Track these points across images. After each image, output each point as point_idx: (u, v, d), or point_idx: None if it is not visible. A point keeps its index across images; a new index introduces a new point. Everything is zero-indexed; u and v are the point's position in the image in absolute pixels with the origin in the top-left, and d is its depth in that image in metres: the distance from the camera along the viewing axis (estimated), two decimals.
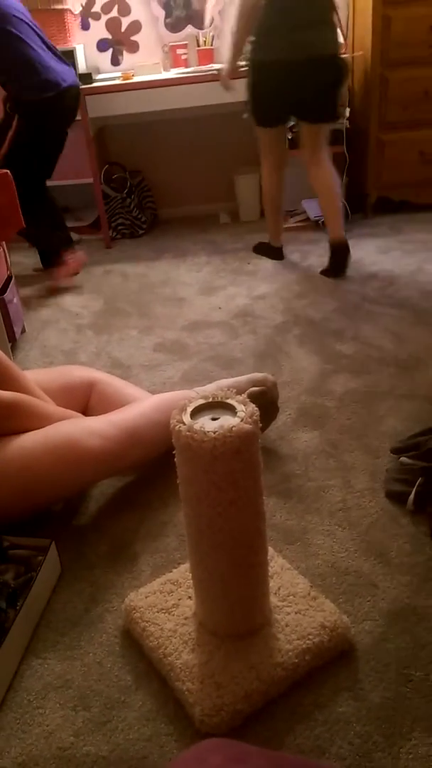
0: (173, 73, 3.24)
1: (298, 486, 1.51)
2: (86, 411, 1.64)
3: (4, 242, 2.38)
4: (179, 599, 1.17)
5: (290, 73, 2.46)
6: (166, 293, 2.78)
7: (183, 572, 1.22)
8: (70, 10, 3.27)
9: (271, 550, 1.25)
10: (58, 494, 1.43)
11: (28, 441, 1.36)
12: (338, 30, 2.51)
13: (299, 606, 1.13)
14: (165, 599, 1.17)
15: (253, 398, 1.57)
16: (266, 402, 1.60)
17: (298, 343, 2.22)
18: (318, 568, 1.27)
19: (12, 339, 2.30)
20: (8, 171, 2.12)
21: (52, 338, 2.44)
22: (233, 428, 0.92)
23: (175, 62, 3.42)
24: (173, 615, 1.13)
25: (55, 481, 1.37)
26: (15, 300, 2.40)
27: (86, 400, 1.67)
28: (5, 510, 1.35)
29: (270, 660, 1.04)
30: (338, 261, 2.75)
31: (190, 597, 1.16)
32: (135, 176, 3.66)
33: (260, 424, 0.97)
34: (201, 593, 1.09)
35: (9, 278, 2.41)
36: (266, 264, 2.99)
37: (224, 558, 1.02)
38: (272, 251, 3.06)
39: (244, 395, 1.03)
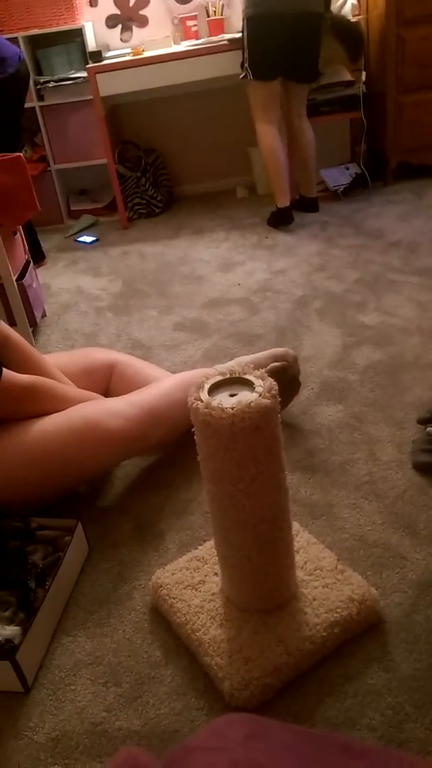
0: (184, 46, 3.17)
1: (323, 460, 1.50)
2: (107, 392, 1.65)
3: (20, 226, 2.38)
4: (205, 575, 1.17)
5: (285, 26, 2.60)
6: (185, 271, 2.76)
7: (208, 549, 1.23)
8: None
9: (296, 525, 1.24)
10: (82, 476, 1.43)
11: (50, 424, 1.37)
12: None
13: (327, 580, 1.13)
14: (191, 576, 1.17)
15: (274, 373, 1.56)
16: (288, 377, 1.58)
17: (319, 316, 2.18)
18: (345, 542, 1.26)
19: (33, 323, 2.31)
20: (21, 155, 2.11)
21: (73, 321, 2.45)
22: (251, 403, 0.91)
23: (186, 35, 3.35)
24: (200, 591, 1.14)
25: (78, 463, 1.37)
26: (34, 285, 2.40)
27: (107, 382, 1.67)
28: (30, 493, 1.36)
29: (298, 634, 1.04)
30: (308, 210, 3.12)
31: (216, 573, 1.17)
32: (149, 154, 3.62)
33: (279, 399, 0.95)
34: (227, 569, 1.09)
35: (27, 263, 2.41)
36: (285, 237, 2.94)
37: (248, 534, 1.01)
38: (280, 216, 2.99)
39: (265, 371, 1.02)
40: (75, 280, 2.85)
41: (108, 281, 2.79)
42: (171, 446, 1.59)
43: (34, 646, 1.09)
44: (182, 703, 1.01)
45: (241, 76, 2.78)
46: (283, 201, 2.95)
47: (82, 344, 2.26)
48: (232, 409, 0.91)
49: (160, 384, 1.55)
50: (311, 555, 1.18)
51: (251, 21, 2.63)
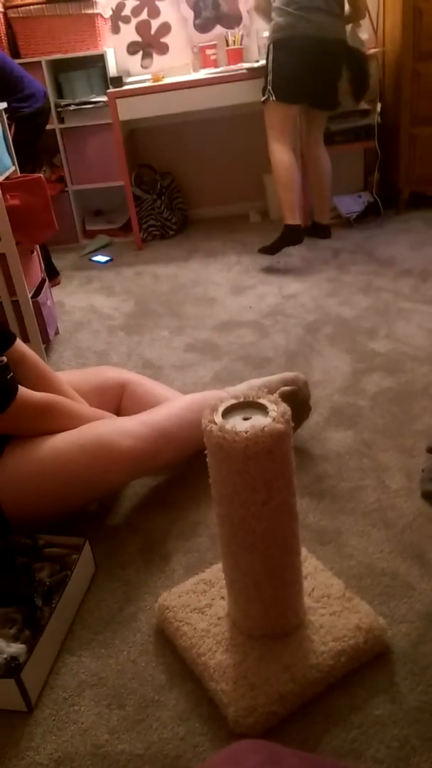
0: (203, 74, 3.24)
1: (332, 486, 1.49)
2: (118, 411, 1.66)
3: (37, 245, 2.42)
4: (212, 599, 1.16)
5: (311, 52, 2.65)
6: (197, 293, 2.78)
7: (216, 572, 1.22)
8: (100, 15, 3.30)
9: (304, 551, 1.24)
10: (92, 494, 1.44)
11: (62, 441, 1.38)
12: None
13: (334, 607, 1.12)
14: (198, 599, 1.16)
15: (285, 398, 1.56)
16: (298, 401, 1.59)
17: (330, 341, 2.19)
18: (353, 569, 1.26)
19: (46, 340, 2.34)
20: (41, 176, 2.16)
21: (85, 339, 2.47)
22: (265, 428, 0.92)
23: (205, 63, 3.42)
24: (206, 615, 1.13)
25: (88, 481, 1.38)
26: (49, 303, 2.43)
27: (118, 401, 1.68)
28: (40, 510, 1.37)
29: (305, 661, 1.03)
30: (320, 236, 3.15)
31: (223, 597, 1.16)
32: (165, 178, 3.68)
33: (292, 424, 0.96)
34: (234, 593, 1.08)
35: (43, 281, 2.44)
36: (297, 262, 2.97)
37: (257, 558, 1.01)
38: (290, 234, 2.89)
39: (276, 395, 1.03)
40: (88, 299, 2.88)
41: (121, 301, 2.82)
42: (180, 467, 1.59)
43: (38, 665, 1.08)
44: (186, 728, 1.00)
45: (263, 99, 2.80)
46: (294, 218, 2.88)
47: (93, 362, 2.28)
48: (246, 432, 0.91)
49: (171, 405, 1.56)
50: (319, 581, 1.18)
51: (278, 44, 2.67)
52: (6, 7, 3.16)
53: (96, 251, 3.52)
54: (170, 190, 3.67)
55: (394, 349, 2.08)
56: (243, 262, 3.09)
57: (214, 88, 3.10)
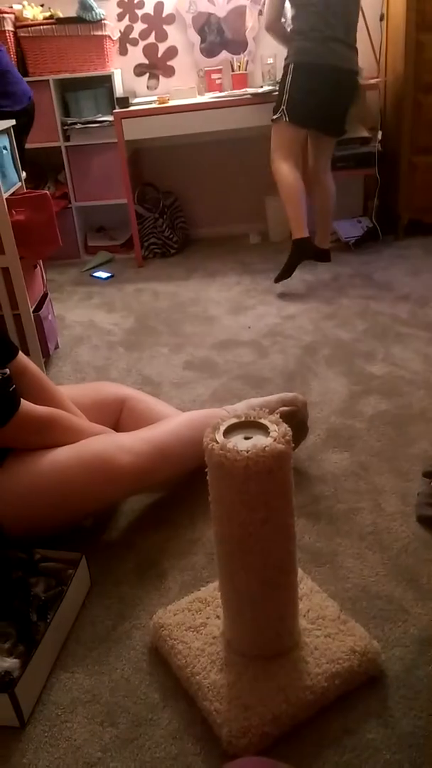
0: (208, 97, 3.30)
1: (328, 507, 1.50)
2: (117, 427, 1.66)
3: (40, 260, 2.44)
4: (207, 618, 1.16)
5: (329, 79, 2.70)
6: (197, 312, 2.81)
7: (211, 591, 1.22)
8: (109, 37, 3.36)
9: (300, 572, 1.24)
10: (89, 508, 1.44)
11: (62, 455, 1.38)
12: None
13: (329, 629, 1.12)
14: (193, 617, 1.17)
15: (284, 418, 1.58)
16: (296, 422, 1.60)
17: (328, 363, 2.21)
18: (348, 592, 1.26)
19: (46, 354, 2.35)
20: (47, 192, 2.19)
21: (85, 354, 2.48)
22: (266, 447, 0.93)
23: (210, 86, 3.49)
24: (201, 634, 1.13)
25: (86, 495, 1.39)
26: (50, 317, 2.45)
27: (117, 416, 1.69)
28: (37, 523, 1.37)
29: (299, 683, 1.03)
30: (320, 260, 3.12)
31: (218, 616, 1.16)
32: (167, 197, 3.72)
33: (292, 444, 0.97)
34: (229, 613, 1.09)
35: (45, 295, 2.46)
36: (296, 284, 3.00)
37: (254, 578, 1.02)
38: (301, 248, 2.88)
39: (275, 414, 1.04)
40: (89, 314, 2.90)
41: (121, 317, 2.84)
42: (176, 484, 1.60)
43: (32, 680, 1.08)
44: (179, 748, 1.00)
45: (274, 117, 2.80)
46: (303, 232, 2.88)
47: (93, 377, 2.29)
48: (247, 451, 0.93)
49: (170, 422, 1.57)
50: (314, 603, 1.18)
51: (301, 68, 2.69)
52: (17, 27, 3.22)
53: (97, 267, 3.55)
54: (172, 209, 3.71)
55: (390, 373, 2.10)
56: (243, 282, 3.12)
57: (218, 111, 3.15)
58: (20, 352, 1.52)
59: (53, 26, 3.22)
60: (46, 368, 2.34)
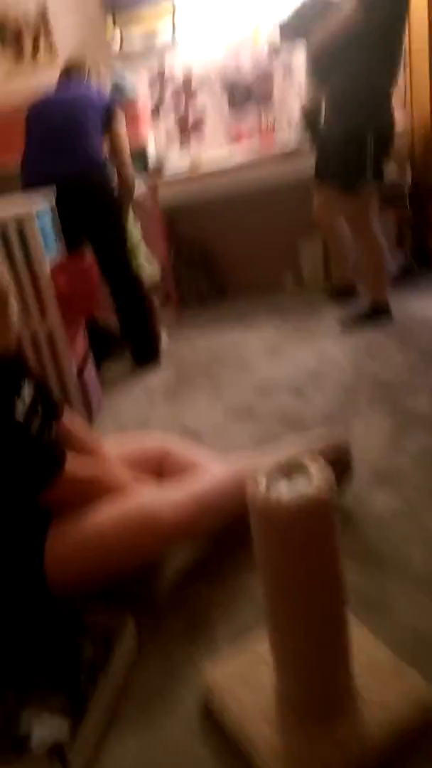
0: (239, 159, 3.40)
1: (376, 550, 1.46)
2: (160, 479, 1.67)
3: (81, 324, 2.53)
4: (258, 672, 1.13)
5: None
6: (234, 358, 2.83)
7: (261, 642, 1.19)
8: (141, 111, 3.53)
9: (351, 619, 1.20)
10: (134, 563, 1.44)
11: (106, 516, 1.40)
12: None
13: (386, 681, 1.08)
14: (244, 672, 1.14)
15: (328, 460, 1.56)
16: (340, 463, 1.58)
17: (369, 401, 2.18)
18: (402, 638, 1.21)
19: (89, 411, 2.40)
20: (95, 264, 2.29)
21: (126, 407, 2.53)
22: (310, 496, 0.92)
23: (240, 146, 3.60)
24: (253, 689, 1.10)
25: (131, 550, 1.39)
26: (93, 373, 2.52)
27: (160, 468, 1.70)
28: (85, 580, 1.38)
29: (356, 740, 0.98)
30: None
31: (270, 670, 1.13)
32: (202, 249, 3.81)
33: (336, 489, 0.96)
34: (281, 667, 1.06)
35: (87, 353, 2.53)
36: (333, 326, 2.97)
37: (303, 630, 0.99)
38: (384, 309, 2.92)
39: (318, 457, 1.03)
40: (127, 367, 2.95)
41: (161, 368, 2.88)
42: (218, 532, 1.58)
43: (83, 747, 1.06)
44: None
45: (353, 190, 2.73)
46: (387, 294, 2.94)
47: (134, 429, 2.32)
48: (291, 501, 0.91)
49: (212, 473, 1.57)
50: (368, 651, 1.14)
51: (382, 131, 2.66)
52: None
53: None
54: (207, 261, 3.80)
55: None
56: (279, 326, 3.13)
57: (250, 171, 3.25)
58: (66, 410, 1.57)
59: None
60: (88, 426, 2.38)
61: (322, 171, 2.88)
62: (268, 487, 0.97)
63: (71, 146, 2.71)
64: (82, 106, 2.77)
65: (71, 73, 2.94)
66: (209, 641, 1.29)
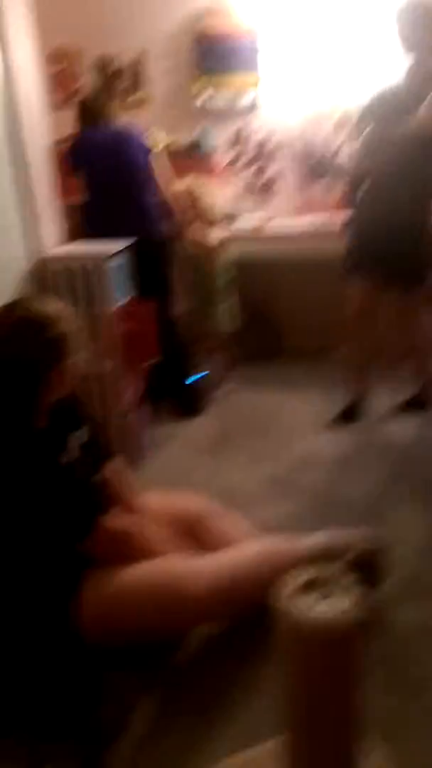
0: (306, 223, 3.47)
1: (400, 670, 1.43)
2: (194, 540, 1.68)
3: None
4: None
5: None
6: (281, 423, 2.84)
7: (267, 751, 1.17)
8: (218, 164, 3.66)
9: (367, 745, 1.17)
10: (156, 630, 1.45)
11: (135, 579, 1.43)
12: None
13: None
14: None
15: (360, 560, 1.55)
16: (373, 568, 1.57)
17: (412, 495, 2.16)
18: None
19: (136, 457, 2.44)
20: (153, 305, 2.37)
21: (170, 458, 2.56)
22: (340, 616, 0.92)
23: (310, 212, 3.68)
24: None
25: (154, 617, 1.42)
26: (144, 420, 2.56)
27: (195, 531, 1.72)
28: (112, 635, 1.41)
29: None
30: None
31: None
32: (263, 309, 3.85)
33: (364, 608, 0.95)
34: None
35: (141, 400, 2.59)
36: (385, 406, 2.93)
37: (317, 746, 0.98)
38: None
39: (351, 558, 1.01)
40: (176, 418, 2.96)
41: (208, 420, 2.91)
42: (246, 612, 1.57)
43: None
44: None
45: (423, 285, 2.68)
46: None
47: (174, 482, 2.34)
48: (319, 618, 0.91)
49: (245, 550, 1.59)
50: None
51: None
52: None
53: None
54: (267, 320, 3.84)
55: None
56: (328, 398, 3.10)
57: (315, 241, 3.31)
58: (114, 463, 1.61)
59: (173, 154, 3.55)
60: (132, 470, 2.41)
61: (388, 266, 2.67)
62: (296, 597, 0.96)
63: (134, 204, 2.90)
64: (134, 148, 2.91)
65: (97, 117, 2.94)
66: (216, 734, 1.28)
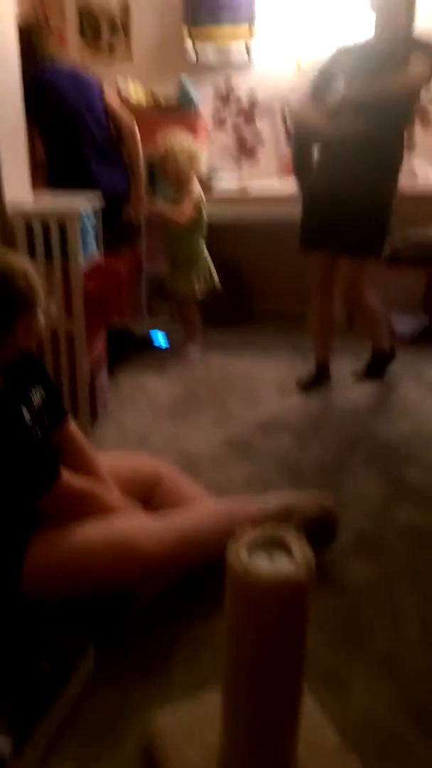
0: (287, 185, 3.43)
1: (344, 621, 1.47)
2: (149, 503, 1.69)
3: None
4: (205, 727, 1.15)
5: None
6: (245, 388, 2.85)
7: (214, 697, 1.21)
8: (202, 121, 3.56)
9: (306, 692, 1.22)
10: (108, 586, 1.47)
11: (88, 531, 1.43)
12: None
13: (326, 761, 1.09)
14: (190, 725, 1.15)
15: (312, 521, 1.58)
16: (325, 527, 1.60)
17: (366, 461, 2.20)
18: (352, 719, 1.22)
19: (94, 415, 2.43)
20: (121, 268, 2.33)
21: (129, 419, 2.55)
22: (287, 575, 0.93)
23: (290, 174, 3.63)
24: (196, 747, 1.12)
25: (106, 573, 1.42)
26: (103, 379, 2.54)
27: (150, 493, 1.73)
28: (58, 591, 1.42)
29: None
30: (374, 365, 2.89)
31: (217, 730, 1.15)
32: (235, 272, 3.83)
33: (313, 569, 0.97)
34: (228, 730, 1.07)
35: (101, 357, 2.56)
36: (347, 374, 2.97)
37: (256, 698, 1.01)
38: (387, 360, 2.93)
39: (303, 519, 1.03)
40: (139, 377, 2.97)
41: (170, 383, 2.91)
42: (198, 571, 1.60)
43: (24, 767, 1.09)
44: None
45: (379, 256, 2.64)
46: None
47: (133, 444, 2.34)
48: (268, 576, 0.93)
49: (199, 509, 1.60)
50: (314, 729, 1.15)
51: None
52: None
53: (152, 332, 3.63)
54: (237, 283, 3.82)
55: (431, 483, 2.07)
56: (295, 364, 3.12)
57: (296, 205, 3.27)
58: (70, 421, 1.59)
59: (153, 110, 3.45)
60: (91, 429, 2.41)
61: (339, 236, 2.57)
62: (248, 554, 0.98)
63: (100, 158, 2.85)
64: (96, 96, 2.83)
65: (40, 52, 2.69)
66: (164, 683, 1.31)
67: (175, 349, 3.34)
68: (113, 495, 1.59)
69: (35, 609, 1.38)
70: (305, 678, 1.07)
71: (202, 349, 3.29)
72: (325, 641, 1.41)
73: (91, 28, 3.68)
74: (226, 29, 3.50)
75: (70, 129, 2.75)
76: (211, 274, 3.30)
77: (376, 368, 2.91)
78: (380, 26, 2.43)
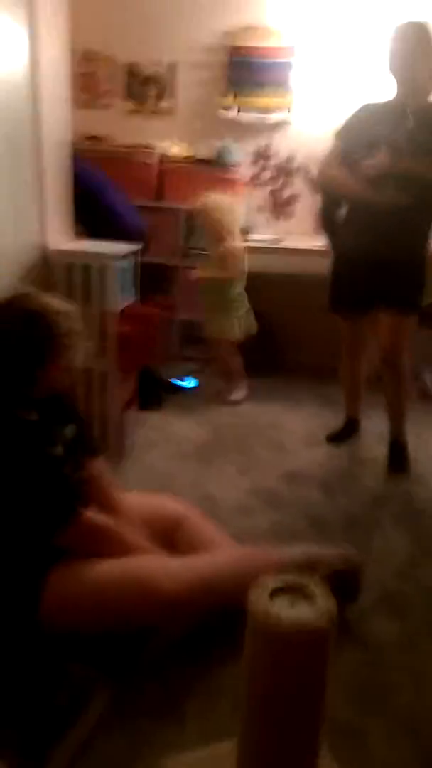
0: (320, 241, 3.51)
1: (366, 678, 1.43)
2: (171, 545, 1.69)
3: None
4: None
5: None
6: (272, 436, 2.84)
7: (227, 746, 1.17)
8: (239, 178, 3.71)
9: (324, 747, 1.17)
10: (125, 625, 1.45)
11: (108, 567, 1.43)
12: None
13: None
14: None
15: (337, 574, 1.56)
16: (349, 583, 1.57)
17: (394, 518, 2.16)
18: None
19: (121, 455, 2.45)
20: (157, 312, 2.40)
21: (155, 461, 2.56)
22: (309, 623, 0.92)
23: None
24: None
25: (123, 613, 1.42)
26: (132, 418, 2.58)
27: (173, 534, 1.72)
28: (75, 626, 1.41)
29: None
30: (394, 458, 2.62)
31: None
32: (266, 321, 3.87)
33: (335, 622, 0.95)
34: None
35: (132, 400, 2.61)
36: (381, 427, 2.93)
37: (273, 750, 0.98)
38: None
39: (329, 573, 1.02)
40: (166, 419, 2.98)
41: (197, 426, 2.91)
42: (217, 617, 1.57)
43: None
44: None
45: (419, 310, 2.58)
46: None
47: (157, 485, 2.34)
48: (289, 623, 0.92)
49: (220, 555, 1.59)
50: None
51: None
52: (162, 160, 3.64)
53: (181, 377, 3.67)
54: (268, 333, 3.86)
55: None
56: (324, 415, 3.12)
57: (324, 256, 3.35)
58: (97, 461, 1.62)
59: (192, 164, 3.61)
60: (117, 468, 2.42)
61: (377, 294, 2.54)
62: (270, 600, 0.98)
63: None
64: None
65: None
66: (178, 729, 1.28)
67: (204, 394, 3.37)
68: (135, 534, 1.59)
69: (53, 641, 1.37)
70: (323, 732, 1.04)
71: (246, 390, 3.32)
72: (345, 697, 1.37)
73: (138, 86, 3.89)
74: (268, 96, 3.71)
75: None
76: (249, 316, 3.37)
77: (397, 458, 2.63)
78: (406, 91, 2.38)
